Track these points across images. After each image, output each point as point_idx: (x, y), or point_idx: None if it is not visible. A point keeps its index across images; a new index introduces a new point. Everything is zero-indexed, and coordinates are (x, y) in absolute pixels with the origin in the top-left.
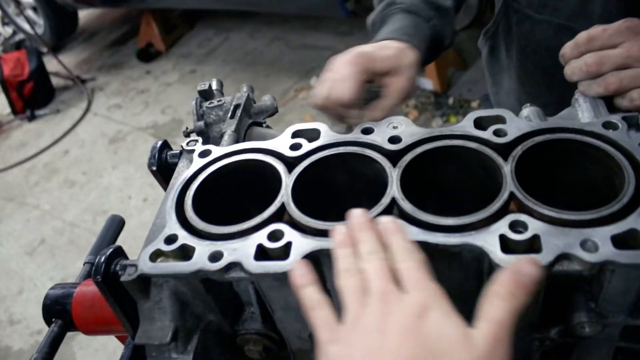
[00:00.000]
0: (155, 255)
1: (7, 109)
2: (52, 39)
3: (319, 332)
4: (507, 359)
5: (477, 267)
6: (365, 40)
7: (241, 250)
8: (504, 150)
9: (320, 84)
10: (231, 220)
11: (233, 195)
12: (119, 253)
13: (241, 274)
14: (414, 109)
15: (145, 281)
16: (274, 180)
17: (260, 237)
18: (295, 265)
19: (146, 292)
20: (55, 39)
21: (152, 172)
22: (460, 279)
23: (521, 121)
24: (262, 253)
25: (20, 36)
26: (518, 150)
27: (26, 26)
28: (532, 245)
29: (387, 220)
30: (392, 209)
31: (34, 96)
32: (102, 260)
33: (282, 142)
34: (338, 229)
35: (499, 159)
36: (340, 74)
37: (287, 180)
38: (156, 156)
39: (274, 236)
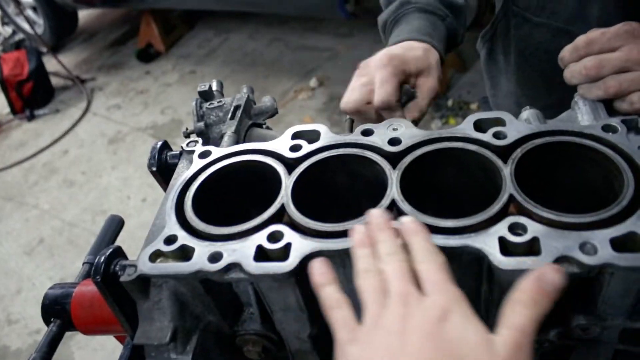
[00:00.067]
0: (155, 256)
1: (7, 109)
2: (52, 38)
3: (338, 332)
4: None
5: (476, 269)
6: (365, 41)
7: (241, 251)
8: (504, 152)
9: (350, 89)
10: (231, 221)
11: (233, 196)
12: (119, 253)
13: (241, 274)
14: None
15: (144, 281)
16: (274, 181)
17: (260, 238)
18: (314, 264)
19: (145, 292)
20: (55, 38)
21: (152, 172)
22: (460, 280)
23: (521, 124)
24: (261, 254)
25: (19, 36)
26: (517, 153)
27: (26, 26)
28: (532, 248)
29: (408, 220)
30: (392, 210)
31: (34, 96)
32: (102, 260)
33: (282, 144)
34: (357, 229)
35: (498, 162)
36: (378, 78)
37: (287, 182)
38: (156, 157)
39: (274, 237)
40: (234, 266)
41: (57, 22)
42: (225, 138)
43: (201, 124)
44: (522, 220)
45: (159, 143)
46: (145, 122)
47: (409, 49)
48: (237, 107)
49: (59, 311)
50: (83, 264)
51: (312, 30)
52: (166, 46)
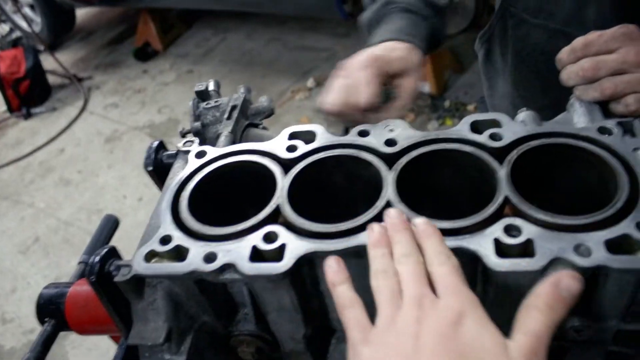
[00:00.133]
0: (150, 256)
1: (3, 107)
2: (49, 37)
3: (351, 332)
4: None
5: (471, 270)
6: (362, 42)
7: (236, 252)
8: (500, 154)
9: (333, 90)
10: (227, 221)
11: (229, 197)
12: (113, 253)
13: (235, 275)
14: (410, 112)
15: (139, 282)
16: (270, 181)
17: (255, 238)
18: (329, 262)
19: (140, 292)
20: (52, 37)
21: (148, 172)
22: None
23: (517, 125)
24: (256, 255)
25: (17, 34)
26: (513, 154)
27: (23, 24)
28: (526, 250)
29: (421, 222)
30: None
31: (30, 94)
32: (97, 260)
33: (278, 144)
34: (375, 228)
35: (494, 163)
36: (358, 79)
37: (283, 182)
38: (152, 156)
39: (269, 238)
40: (228, 267)
41: (55, 20)
42: (222, 138)
43: (198, 124)
44: (517, 222)
45: (155, 143)
46: (142, 121)
47: (391, 49)
48: (233, 107)
49: (53, 311)
50: (78, 264)
51: (310, 31)
52: (164, 45)
